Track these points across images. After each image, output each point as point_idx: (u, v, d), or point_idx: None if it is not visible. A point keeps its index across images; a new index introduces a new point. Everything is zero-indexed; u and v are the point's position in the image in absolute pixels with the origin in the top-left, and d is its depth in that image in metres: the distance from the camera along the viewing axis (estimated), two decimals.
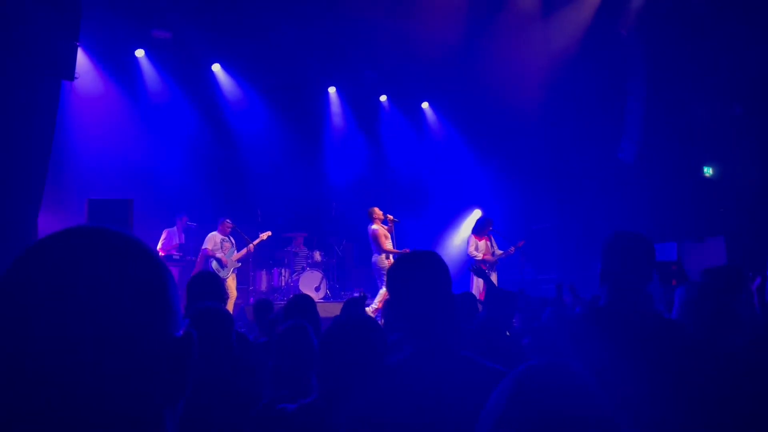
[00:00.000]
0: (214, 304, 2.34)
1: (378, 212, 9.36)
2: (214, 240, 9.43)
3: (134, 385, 0.67)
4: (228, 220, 9.57)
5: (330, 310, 8.30)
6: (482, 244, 9.98)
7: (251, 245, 9.76)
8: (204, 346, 2.14)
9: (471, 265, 5.91)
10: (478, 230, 10.10)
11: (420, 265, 1.87)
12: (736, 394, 2.23)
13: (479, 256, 9.84)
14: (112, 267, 0.69)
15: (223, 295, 3.58)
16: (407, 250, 7.74)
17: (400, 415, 1.64)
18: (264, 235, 9.90)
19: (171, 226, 10.09)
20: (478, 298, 5.97)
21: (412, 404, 1.65)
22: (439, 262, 1.88)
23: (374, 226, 9.31)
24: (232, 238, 9.67)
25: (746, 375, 2.36)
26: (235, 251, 9.62)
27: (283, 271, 11.19)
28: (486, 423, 0.96)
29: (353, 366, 1.98)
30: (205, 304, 2.34)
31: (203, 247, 9.45)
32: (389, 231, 9.45)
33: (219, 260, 9.30)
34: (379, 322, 5.58)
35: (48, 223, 7.77)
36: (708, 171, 11.90)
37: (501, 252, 10.10)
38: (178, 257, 9.80)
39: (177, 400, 0.73)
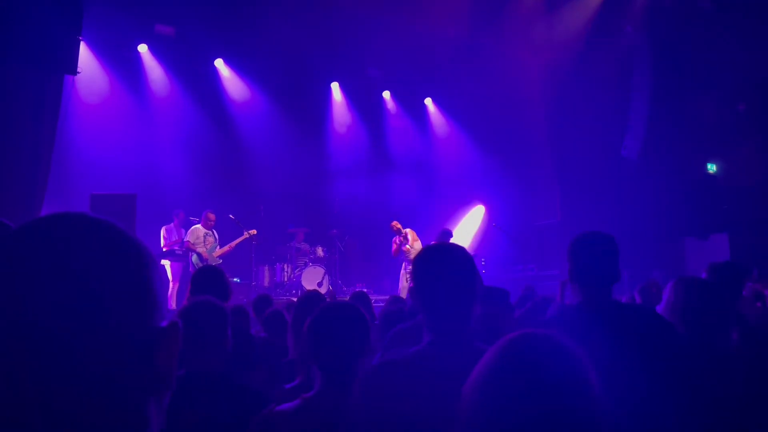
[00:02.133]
0: (208, 298, 2.32)
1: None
2: (196, 233, 9.34)
3: (115, 376, 0.65)
4: (211, 213, 9.44)
5: None
6: None
7: (233, 243, 9.71)
8: (197, 340, 2.15)
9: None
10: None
11: (445, 257, 1.89)
12: (721, 389, 2.22)
13: None
14: (92, 254, 0.67)
15: (228, 291, 3.55)
16: None
17: (416, 404, 1.64)
18: (247, 234, 9.78)
19: (169, 222, 10.06)
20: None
21: (428, 394, 1.65)
22: (464, 255, 1.90)
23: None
24: (215, 233, 9.59)
25: (737, 374, 2.35)
26: (218, 247, 9.56)
27: (285, 266, 11.19)
28: (474, 385, 0.97)
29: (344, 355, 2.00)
30: (199, 297, 2.33)
31: (185, 240, 9.37)
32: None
33: (199, 255, 9.21)
34: None
35: None
36: (712, 168, 11.87)
37: None
38: (180, 253, 9.80)
39: (161, 392, 0.72)
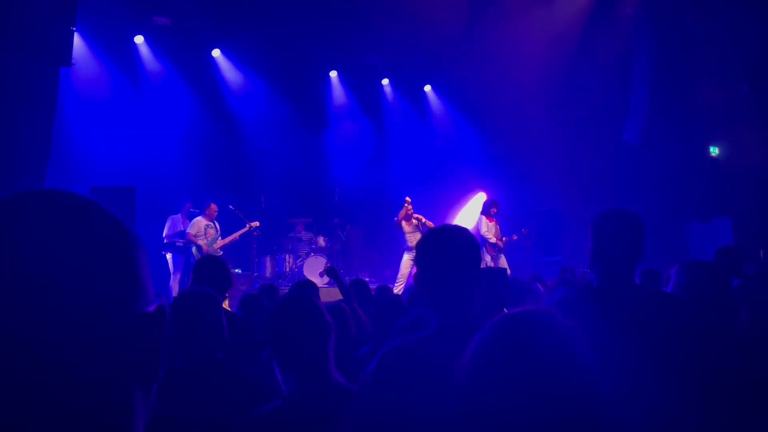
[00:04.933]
0: (201, 288, 2.31)
1: None
2: (197, 225, 9.33)
3: (97, 364, 0.61)
4: (213, 204, 9.43)
5: (335, 294, 8.27)
6: (492, 225, 10.07)
7: (236, 235, 9.70)
8: (191, 331, 2.12)
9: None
10: (486, 211, 10.23)
11: (449, 240, 1.86)
12: (736, 371, 2.20)
13: (492, 238, 9.95)
14: (71, 234, 0.63)
15: (229, 281, 3.54)
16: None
17: (426, 390, 1.61)
18: (249, 226, 9.77)
19: (174, 213, 10.06)
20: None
21: (435, 380, 1.63)
22: (467, 237, 1.87)
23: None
24: (217, 224, 9.58)
25: (747, 352, 2.32)
26: (220, 238, 9.55)
27: (287, 257, 11.18)
28: (471, 362, 0.96)
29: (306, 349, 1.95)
30: (192, 288, 2.32)
31: (187, 231, 9.38)
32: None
33: (199, 247, 9.21)
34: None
35: None
36: (714, 151, 11.80)
37: (506, 239, 10.17)
38: (181, 244, 9.80)
39: (148, 380, 0.68)
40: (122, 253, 0.66)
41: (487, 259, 9.88)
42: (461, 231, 1.90)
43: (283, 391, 2.01)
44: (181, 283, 9.54)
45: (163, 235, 9.79)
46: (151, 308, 0.68)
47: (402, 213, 9.74)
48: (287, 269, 11.06)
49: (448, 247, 1.84)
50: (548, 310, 1.00)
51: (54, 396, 0.59)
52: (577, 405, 0.90)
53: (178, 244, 9.75)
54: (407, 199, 9.82)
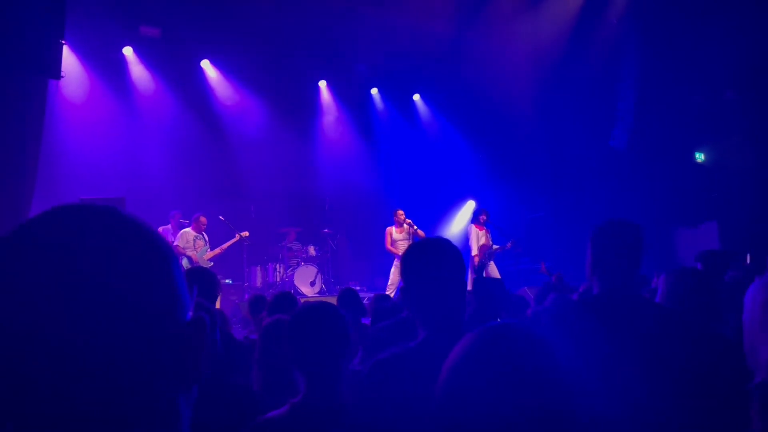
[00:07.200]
0: (199, 301, 2.32)
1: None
2: (185, 237, 9.24)
3: (145, 373, 0.65)
4: (202, 217, 9.36)
5: None
6: (483, 233, 10.14)
7: (225, 245, 9.67)
8: None
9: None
10: (475, 219, 10.33)
11: (433, 251, 1.88)
12: (731, 381, 2.22)
13: (479, 243, 10.03)
14: (113, 247, 0.65)
15: (217, 292, 3.57)
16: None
17: (414, 401, 1.63)
18: (239, 236, 9.77)
19: (164, 224, 10.01)
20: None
21: (423, 391, 1.65)
22: (451, 248, 1.89)
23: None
24: (205, 236, 9.53)
25: (739, 359, 2.35)
26: (209, 249, 9.50)
27: (277, 266, 11.16)
28: (447, 377, 0.97)
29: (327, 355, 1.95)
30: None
31: (174, 244, 9.26)
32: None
33: (189, 258, 9.15)
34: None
35: None
36: (700, 156, 11.93)
37: (497, 247, 10.21)
38: None
39: (191, 385, 0.72)
40: (160, 265, 0.69)
41: (475, 262, 9.93)
42: (443, 243, 1.92)
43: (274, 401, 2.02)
44: None
45: None
46: (189, 316, 0.72)
47: (390, 232, 9.93)
48: (277, 279, 11.04)
49: (430, 259, 1.87)
50: (524, 324, 1.00)
51: (102, 404, 0.62)
52: (553, 421, 0.89)
53: None
54: (400, 213, 9.87)
